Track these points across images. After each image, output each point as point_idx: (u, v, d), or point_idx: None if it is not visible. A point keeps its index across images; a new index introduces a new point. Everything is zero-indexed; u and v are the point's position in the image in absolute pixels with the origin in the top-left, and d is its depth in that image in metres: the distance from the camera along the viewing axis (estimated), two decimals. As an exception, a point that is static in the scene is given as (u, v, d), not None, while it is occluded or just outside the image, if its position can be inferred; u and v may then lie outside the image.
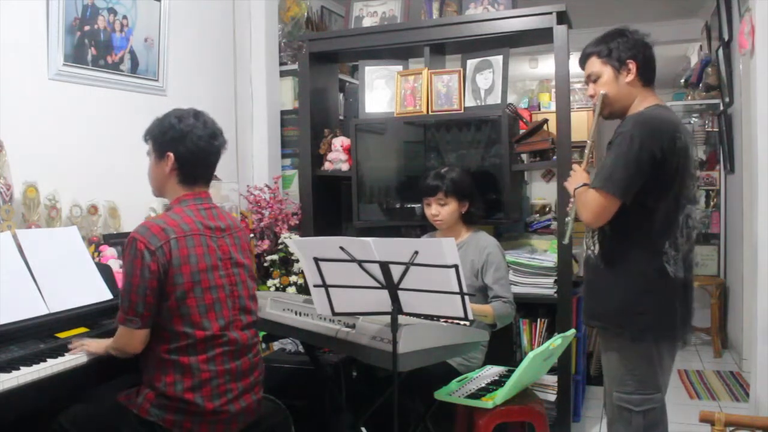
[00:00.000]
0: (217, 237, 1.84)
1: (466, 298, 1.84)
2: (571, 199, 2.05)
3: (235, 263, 1.87)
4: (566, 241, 2.12)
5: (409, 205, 3.15)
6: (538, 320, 3.00)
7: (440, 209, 2.57)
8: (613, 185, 1.83)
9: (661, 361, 1.94)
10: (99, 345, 1.84)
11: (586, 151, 2.09)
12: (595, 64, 1.98)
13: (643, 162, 1.80)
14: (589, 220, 1.91)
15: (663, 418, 1.97)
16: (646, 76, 1.96)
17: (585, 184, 1.96)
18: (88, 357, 1.82)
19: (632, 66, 1.93)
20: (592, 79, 1.99)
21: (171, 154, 1.82)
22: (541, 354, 2.18)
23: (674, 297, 1.91)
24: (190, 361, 1.73)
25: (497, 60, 3.07)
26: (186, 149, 1.82)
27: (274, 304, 2.29)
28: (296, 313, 2.22)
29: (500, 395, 2.17)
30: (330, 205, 3.50)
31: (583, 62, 2.04)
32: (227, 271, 1.84)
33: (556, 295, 2.86)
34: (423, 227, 3.07)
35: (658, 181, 1.84)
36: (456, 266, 1.77)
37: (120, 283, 1.99)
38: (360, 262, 1.84)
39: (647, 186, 1.84)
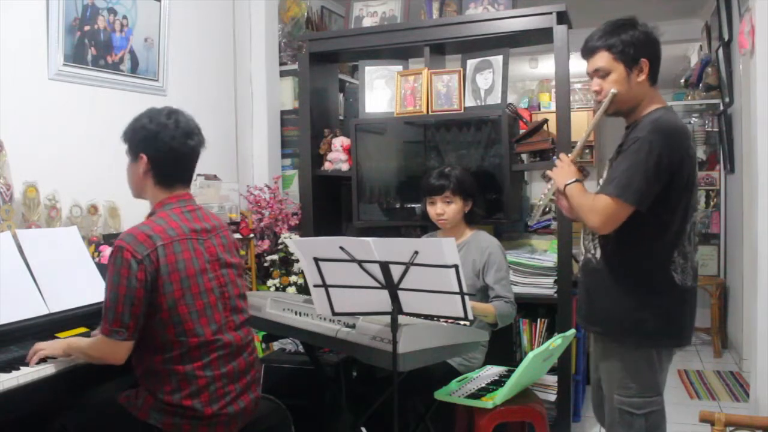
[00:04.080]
0: (204, 239, 1.81)
1: (466, 298, 1.84)
2: (548, 185, 2.02)
3: (223, 264, 1.85)
4: (533, 222, 2.15)
5: (409, 205, 3.15)
6: (538, 320, 3.00)
7: (446, 208, 2.56)
8: (631, 194, 1.77)
9: (661, 364, 1.92)
10: (55, 346, 1.76)
11: (579, 143, 2.04)
12: (605, 59, 1.85)
13: (662, 171, 1.76)
14: (598, 226, 1.84)
15: (664, 420, 1.95)
16: (655, 75, 1.89)
17: (577, 180, 1.91)
18: (56, 368, 1.74)
19: (645, 66, 1.85)
20: (600, 74, 1.88)
21: (144, 156, 1.79)
22: (541, 354, 2.18)
23: (679, 305, 1.88)
24: (185, 369, 1.71)
25: (497, 60, 3.07)
26: (158, 150, 1.77)
27: (274, 304, 2.29)
28: (296, 313, 2.22)
29: (500, 395, 2.17)
30: (330, 205, 3.50)
31: (589, 54, 1.90)
32: (216, 273, 1.81)
33: (556, 295, 2.86)
34: (423, 227, 3.07)
35: (672, 191, 1.80)
36: (456, 266, 1.77)
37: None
38: (360, 262, 1.84)
39: (660, 195, 1.79)
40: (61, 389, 1.77)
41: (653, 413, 1.89)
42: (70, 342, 1.77)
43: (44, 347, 1.76)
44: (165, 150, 1.78)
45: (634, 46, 1.83)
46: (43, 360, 1.75)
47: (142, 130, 1.79)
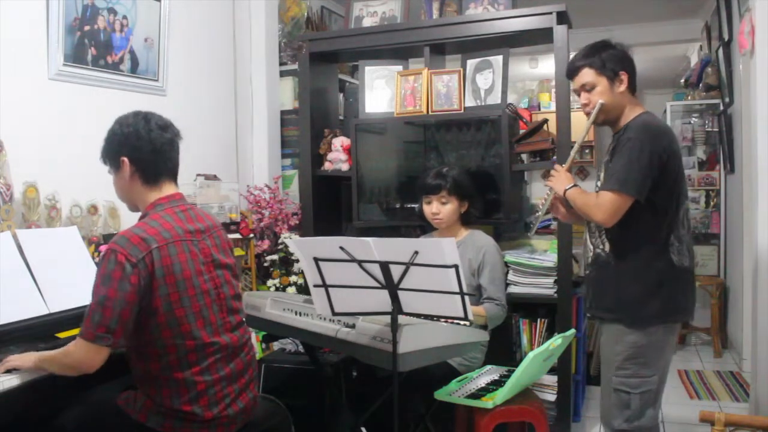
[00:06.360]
0: (198, 240, 1.78)
1: (466, 298, 1.84)
2: (545, 195, 2.24)
3: (218, 265, 1.83)
4: (532, 233, 2.33)
5: (409, 205, 3.15)
6: (538, 320, 3.00)
7: (441, 208, 2.57)
8: (629, 186, 1.98)
9: (666, 340, 2.09)
10: (25, 359, 1.70)
11: (572, 152, 2.26)
12: (589, 75, 2.11)
13: (653, 164, 1.98)
14: (604, 220, 2.03)
15: (658, 397, 2.11)
16: (633, 85, 2.14)
17: (575, 185, 2.12)
18: (20, 379, 1.66)
19: (624, 77, 2.10)
20: (586, 88, 2.12)
21: (125, 159, 1.78)
22: (541, 354, 2.18)
23: (682, 284, 2.08)
24: (184, 376, 1.69)
25: (497, 60, 3.07)
26: (136, 148, 1.77)
27: (274, 304, 2.29)
28: (296, 313, 2.22)
29: (500, 395, 2.17)
30: (330, 205, 3.50)
31: (573, 74, 2.15)
32: (211, 274, 1.79)
33: (556, 295, 2.86)
34: (423, 227, 3.07)
35: (663, 182, 2.01)
36: (456, 266, 1.77)
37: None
38: (360, 262, 1.84)
39: (654, 186, 2.00)
40: (61, 390, 1.77)
41: (647, 392, 2.06)
42: (40, 355, 1.71)
43: (14, 358, 1.70)
44: (142, 145, 1.77)
45: (613, 61, 2.10)
46: (8, 371, 1.67)
47: (114, 136, 1.80)
